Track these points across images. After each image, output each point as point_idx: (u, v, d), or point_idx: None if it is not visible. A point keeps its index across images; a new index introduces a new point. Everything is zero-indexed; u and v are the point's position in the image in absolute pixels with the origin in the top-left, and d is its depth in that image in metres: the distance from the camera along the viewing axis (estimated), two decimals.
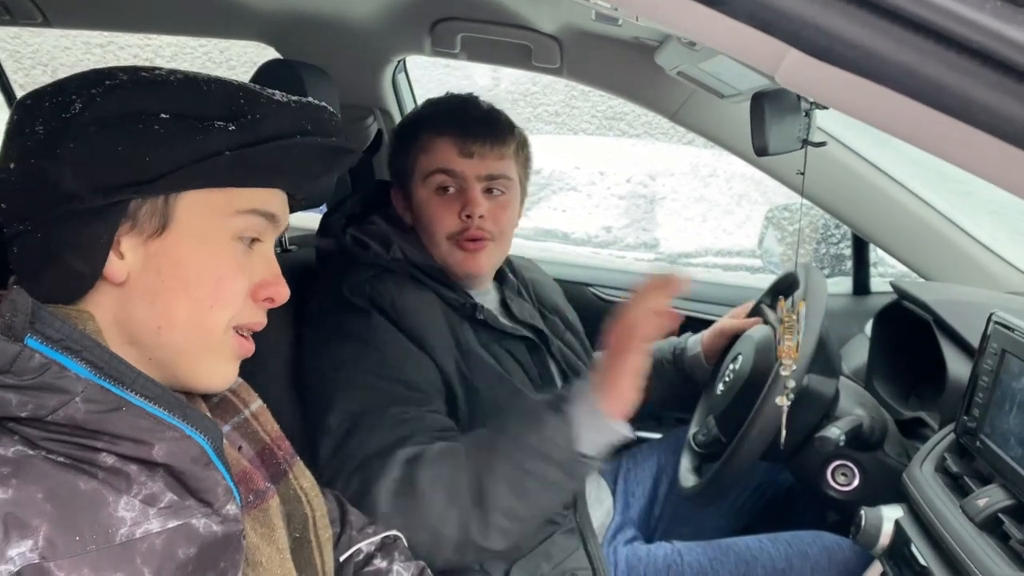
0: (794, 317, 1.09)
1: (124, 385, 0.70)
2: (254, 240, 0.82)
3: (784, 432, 1.22)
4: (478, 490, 1.12)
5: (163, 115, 0.73)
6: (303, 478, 0.94)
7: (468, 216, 1.38)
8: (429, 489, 1.12)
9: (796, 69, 0.42)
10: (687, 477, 1.51)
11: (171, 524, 0.67)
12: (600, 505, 1.57)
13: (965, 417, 1.22)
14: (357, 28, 1.86)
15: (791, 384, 1.19)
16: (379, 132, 2.12)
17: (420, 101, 2.24)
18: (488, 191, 1.40)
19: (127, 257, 0.75)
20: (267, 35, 1.94)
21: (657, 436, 1.90)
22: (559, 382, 1.53)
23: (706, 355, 1.69)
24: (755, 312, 1.68)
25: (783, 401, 1.20)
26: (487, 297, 1.47)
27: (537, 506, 1.17)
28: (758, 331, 1.55)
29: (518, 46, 1.82)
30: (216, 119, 0.75)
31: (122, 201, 0.73)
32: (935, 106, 0.39)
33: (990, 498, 1.09)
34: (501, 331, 1.43)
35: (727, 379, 1.55)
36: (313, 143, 0.81)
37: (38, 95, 0.76)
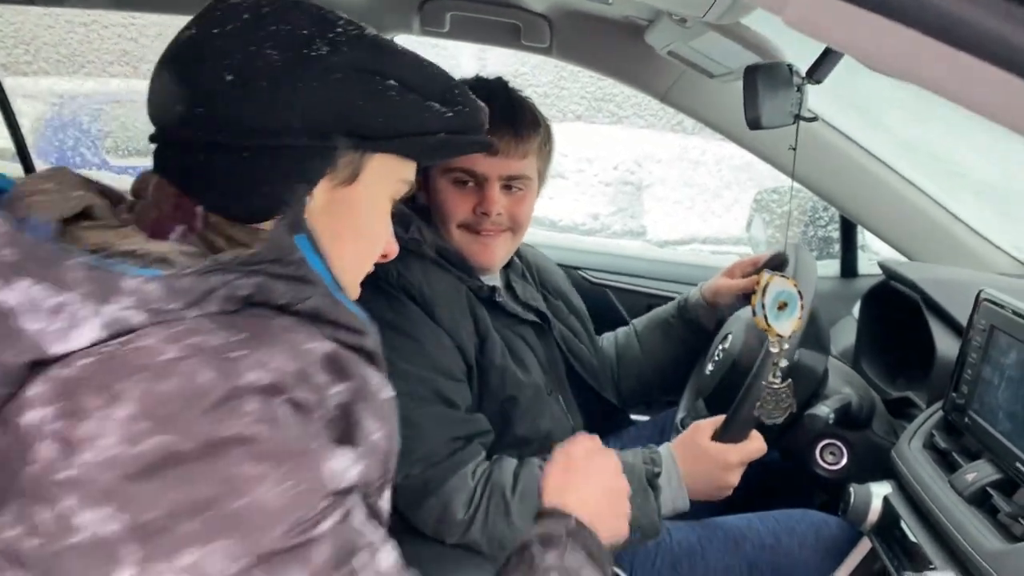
0: (763, 292, 1.08)
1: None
2: None
3: (778, 408, 1.22)
4: None
5: (393, 81, 0.77)
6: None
7: (484, 213, 1.37)
8: (518, 519, 1.21)
9: (802, 5, 0.42)
10: None
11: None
12: None
13: (954, 394, 1.23)
14: (344, 6, 1.83)
15: (782, 363, 1.18)
16: None
17: None
18: (507, 187, 1.39)
19: (315, 197, 0.78)
20: None
21: (646, 419, 1.90)
22: (562, 367, 1.55)
23: (710, 302, 1.70)
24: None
25: (771, 379, 1.20)
26: (494, 281, 1.47)
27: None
28: (747, 311, 1.55)
29: (507, 25, 1.80)
30: (435, 100, 0.81)
31: (337, 148, 0.77)
32: (949, 41, 0.38)
33: (978, 472, 1.09)
34: (514, 316, 1.45)
35: (716, 359, 1.55)
36: (483, 140, 0.89)
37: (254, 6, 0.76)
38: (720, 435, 1.30)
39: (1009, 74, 0.37)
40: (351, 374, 0.72)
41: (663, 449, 1.33)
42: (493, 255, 1.41)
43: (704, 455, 1.28)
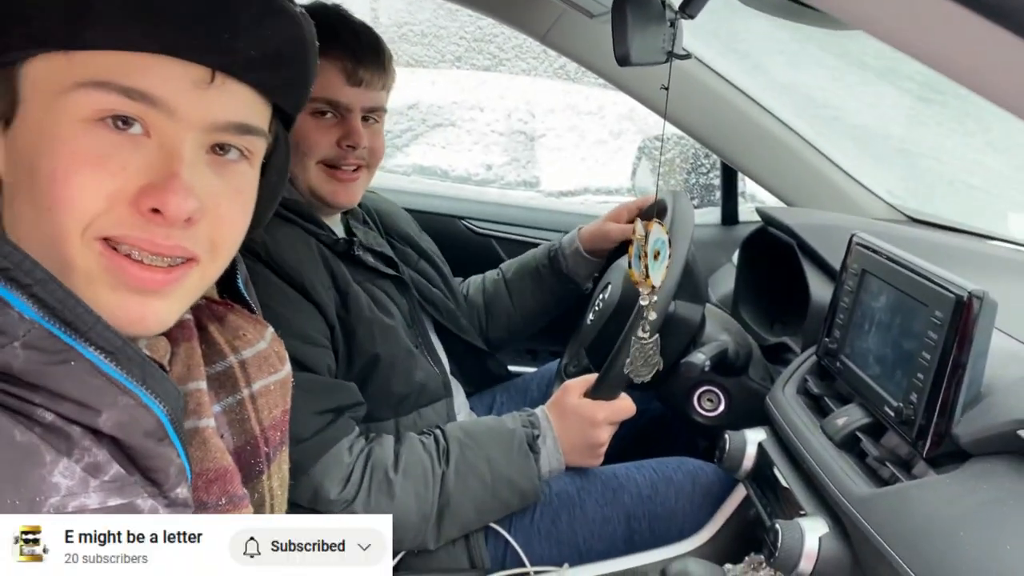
0: (643, 242, 1.04)
1: (77, 332, 0.56)
2: (136, 125, 0.60)
3: (647, 365, 1.20)
4: (447, 506, 1.22)
5: None
6: (276, 476, 0.79)
7: (350, 146, 1.29)
8: (402, 495, 1.19)
9: None
10: None
11: (112, 502, 0.56)
12: None
13: (826, 339, 1.22)
14: None
15: (651, 316, 1.15)
16: None
17: None
18: (365, 120, 1.32)
19: None
20: None
21: (532, 370, 1.87)
22: (423, 318, 1.49)
23: (588, 251, 1.67)
24: (627, 241, 1.64)
25: (641, 334, 1.17)
26: (336, 229, 1.38)
27: (485, 520, 1.28)
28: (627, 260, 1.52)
29: None
30: None
31: None
32: None
33: (848, 417, 1.09)
34: (373, 269, 1.38)
35: (596, 307, 1.52)
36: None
37: None
38: (591, 393, 1.31)
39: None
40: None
41: (539, 411, 1.33)
42: (353, 193, 1.34)
43: (574, 413, 1.30)
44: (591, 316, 1.53)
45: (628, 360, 1.17)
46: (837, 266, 1.26)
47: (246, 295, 0.82)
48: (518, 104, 5.98)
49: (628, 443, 1.61)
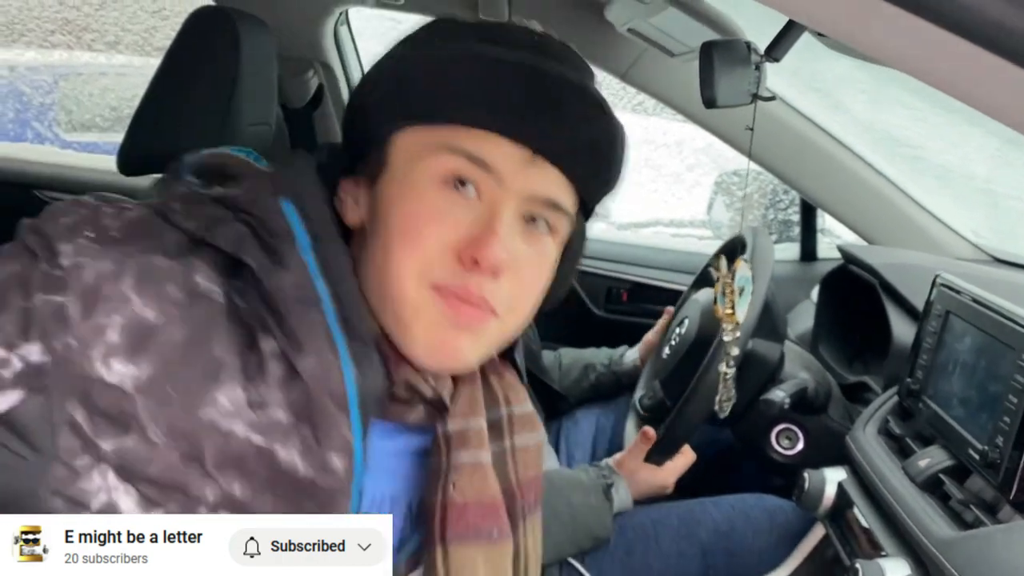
0: (730, 279, 1.06)
1: (333, 291, 0.67)
2: (470, 187, 0.70)
3: (726, 399, 1.21)
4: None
5: None
6: (531, 535, 0.82)
7: None
8: None
9: None
10: (631, 440, 1.49)
11: (254, 439, 0.61)
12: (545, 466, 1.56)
13: (908, 379, 1.22)
14: None
15: (734, 351, 1.17)
16: (320, 87, 2.05)
17: (363, 55, 2.18)
18: None
19: (360, 202, 0.74)
20: None
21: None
22: None
23: (643, 359, 1.74)
24: (703, 274, 1.66)
25: (725, 368, 1.18)
26: None
27: (558, 560, 1.30)
28: (704, 295, 1.54)
29: None
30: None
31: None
32: (928, 18, 0.35)
33: (931, 459, 1.08)
34: None
35: (673, 343, 1.53)
36: (502, 56, 0.69)
37: None
38: (653, 457, 1.37)
39: (980, 48, 0.34)
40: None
41: (607, 463, 1.40)
42: None
43: (638, 475, 1.38)
44: (667, 350, 1.55)
45: (718, 396, 1.19)
46: (920, 306, 1.25)
47: (519, 363, 0.91)
48: None
49: (702, 477, 1.61)
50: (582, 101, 0.71)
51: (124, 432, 0.57)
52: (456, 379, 0.78)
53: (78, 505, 0.56)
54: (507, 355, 0.90)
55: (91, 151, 3.85)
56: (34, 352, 0.56)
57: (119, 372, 0.57)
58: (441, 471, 0.74)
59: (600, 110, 0.72)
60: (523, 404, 0.86)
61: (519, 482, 0.81)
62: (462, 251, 0.68)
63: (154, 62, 1.42)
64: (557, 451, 1.67)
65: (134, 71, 5.47)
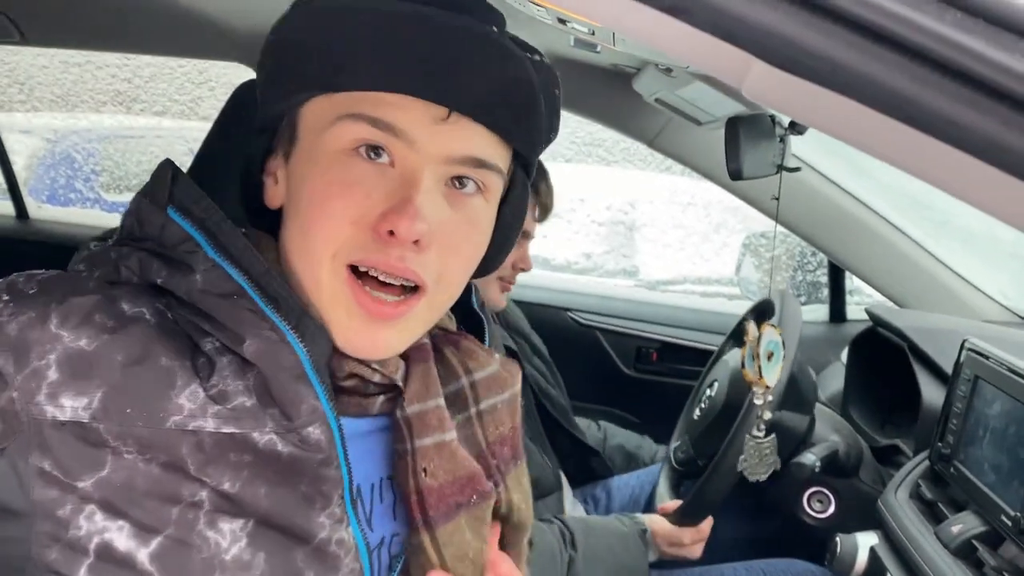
0: (756, 343, 1.08)
1: (248, 277, 0.65)
2: (384, 155, 0.66)
3: (763, 464, 1.22)
4: None
5: None
6: (516, 490, 0.80)
7: (523, 269, 1.55)
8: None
9: (761, 80, 0.42)
10: (664, 496, 1.51)
11: (226, 429, 0.62)
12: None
13: (939, 444, 1.22)
14: None
15: (766, 415, 1.18)
16: None
17: None
18: None
19: (280, 181, 0.71)
20: (246, 56, 1.93)
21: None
22: (535, 412, 1.56)
23: None
24: (735, 333, 1.68)
25: (756, 432, 1.19)
26: None
27: None
28: (734, 357, 1.55)
29: None
30: None
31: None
32: (903, 119, 0.38)
33: (964, 525, 1.08)
34: None
35: (703, 405, 1.54)
36: (396, 9, 0.64)
37: None
38: (676, 519, 1.40)
39: (972, 157, 0.38)
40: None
41: (639, 516, 1.44)
42: (505, 300, 1.53)
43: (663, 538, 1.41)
44: (698, 411, 1.56)
45: (742, 458, 1.20)
46: (949, 369, 1.26)
47: (480, 312, 0.88)
48: (618, 196, 6.08)
49: (734, 541, 1.61)
50: (488, 48, 0.66)
51: (99, 464, 0.58)
52: (407, 358, 0.75)
53: (77, 551, 0.58)
54: (464, 306, 0.85)
55: None
56: None
57: (70, 407, 0.58)
58: (408, 457, 0.71)
59: (509, 54, 0.67)
60: (485, 367, 0.81)
61: (489, 443, 0.78)
62: (377, 224, 0.64)
63: (196, 125, 1.47)
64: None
65: (175, 136, 5.64)
